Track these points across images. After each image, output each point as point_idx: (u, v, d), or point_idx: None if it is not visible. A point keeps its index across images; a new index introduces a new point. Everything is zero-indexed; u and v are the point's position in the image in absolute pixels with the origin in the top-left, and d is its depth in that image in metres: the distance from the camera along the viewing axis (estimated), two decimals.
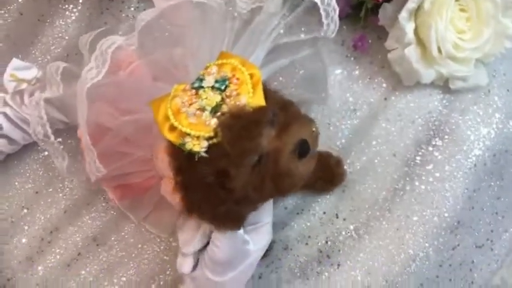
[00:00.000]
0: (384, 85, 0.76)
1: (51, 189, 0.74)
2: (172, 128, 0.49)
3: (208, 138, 0.48)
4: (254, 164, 0.48)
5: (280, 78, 0.70)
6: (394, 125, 0.75)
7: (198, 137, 0.48)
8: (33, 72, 0.72)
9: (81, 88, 0.58)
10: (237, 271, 0.58)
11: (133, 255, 0.72)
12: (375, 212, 0.73)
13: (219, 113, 0.48)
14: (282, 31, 0.65)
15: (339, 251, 0.72)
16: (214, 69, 0.51)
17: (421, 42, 0.73)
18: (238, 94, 0.49)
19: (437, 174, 0.74)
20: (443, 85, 0.75)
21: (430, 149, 0.74)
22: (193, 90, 0.50)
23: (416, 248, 0.72)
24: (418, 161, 0.74)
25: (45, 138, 0.61)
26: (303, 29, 0.66)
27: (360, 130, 0.75)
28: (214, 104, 0.48)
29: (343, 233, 0.73)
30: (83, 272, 0.72)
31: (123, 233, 0.73)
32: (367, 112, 0.76)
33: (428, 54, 0.72)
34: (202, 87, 0.49)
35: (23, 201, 0.73)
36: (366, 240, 0.72)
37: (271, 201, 0.60)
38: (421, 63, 0.72)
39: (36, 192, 0.73)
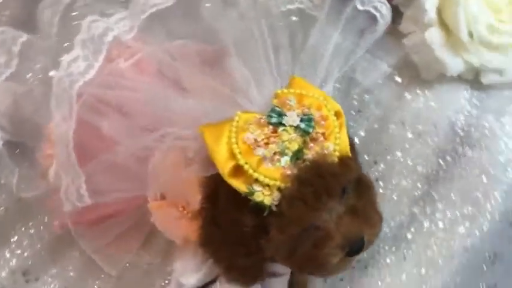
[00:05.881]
0: (398, 79, 0.63)
1: None
2: (239, 170, 0.40)
3: (280, 189, 0.40)
4: (298, 233, 0.40)
5: None
6: (411, 131, 0.61)
7: (269, 186, 0.39)
8: None
9: (63, 86, 0.45)
10: None
11: None
12: (384, 246, 0.57)
13: (299, 160, 0.40)
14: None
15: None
16: (292, 100, 0.42)
17: (445, 26, 0.59)
18: (325, 139, 0.41)
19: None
20: (473, 80, 0.62)
21: (458, 160, 0.59)
22: (271, 127, 0.41)
23: None
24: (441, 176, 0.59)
25: None
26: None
27: (366, 138, 0.61)
28: (296, 148, 0.40)
29: None
30: None
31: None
32: (375, 114, 0.62)
33: (456, 40, 0.58)
34: (282, 124, 0.41)
35: None
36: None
37: None
38: (446, 50, 0.59)
39: None
